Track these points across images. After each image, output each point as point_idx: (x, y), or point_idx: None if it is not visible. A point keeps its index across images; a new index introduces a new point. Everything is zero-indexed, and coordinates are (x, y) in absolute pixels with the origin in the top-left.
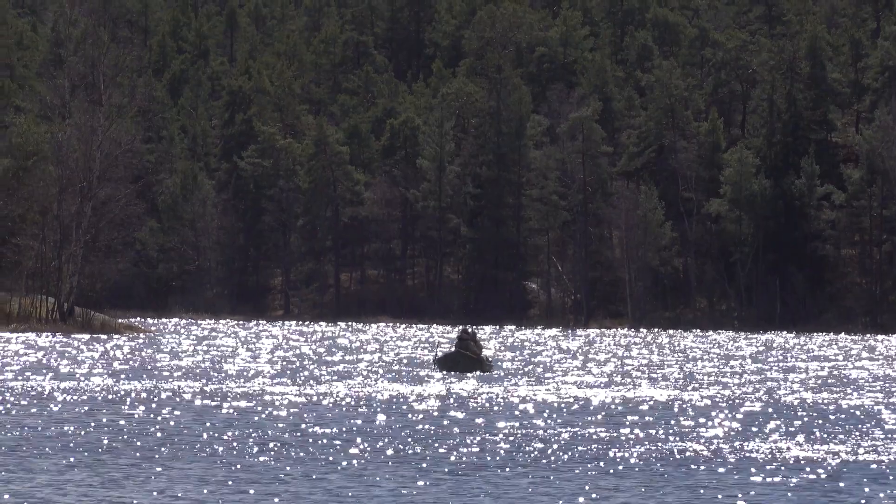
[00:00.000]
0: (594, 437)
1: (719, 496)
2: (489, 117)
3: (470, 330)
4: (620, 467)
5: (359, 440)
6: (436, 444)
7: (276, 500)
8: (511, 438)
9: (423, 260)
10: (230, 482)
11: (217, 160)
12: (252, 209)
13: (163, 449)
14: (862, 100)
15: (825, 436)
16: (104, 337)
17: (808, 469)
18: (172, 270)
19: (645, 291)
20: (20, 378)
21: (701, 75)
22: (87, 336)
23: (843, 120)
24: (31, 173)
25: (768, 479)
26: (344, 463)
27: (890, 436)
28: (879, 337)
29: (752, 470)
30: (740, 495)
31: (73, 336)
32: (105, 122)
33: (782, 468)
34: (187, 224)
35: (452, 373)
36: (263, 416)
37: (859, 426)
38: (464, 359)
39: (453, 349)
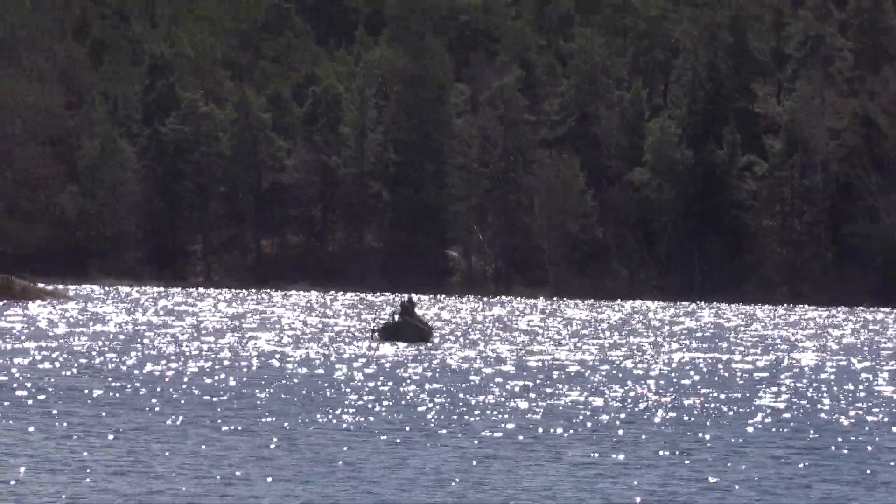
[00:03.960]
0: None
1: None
2: (411, 84)
3: (413, 299)
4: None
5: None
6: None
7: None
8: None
9: (343, 226)
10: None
11: (138, 125)
12: (173, 175)
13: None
14: (783, 69)
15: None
16: (21, 303)
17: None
18: (92, 235)
19: (565, 260)
20: None
21: (624, 44)
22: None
23: (764, 90)
24: None
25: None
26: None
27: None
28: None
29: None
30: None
31: None
32: (26, 86)
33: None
34: (108, 189)
35: (397, 342)
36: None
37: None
38: (411, 328)
39: (396, 318)
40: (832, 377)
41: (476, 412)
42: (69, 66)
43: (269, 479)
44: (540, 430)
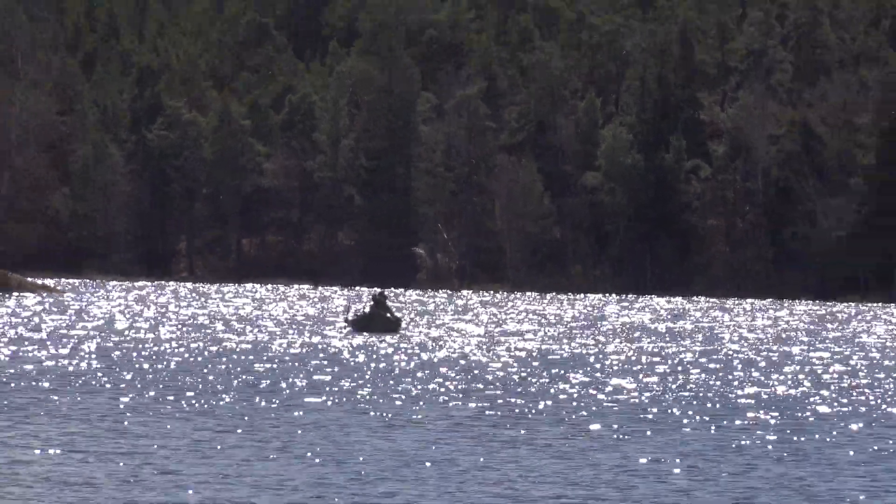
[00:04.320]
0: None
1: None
2: (381, 94)
3: (385, 292)
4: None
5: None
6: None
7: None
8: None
9: (319, 227)
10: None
11: (126, 132)
12: (159, 178)
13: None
14: (728, 80)
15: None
16: (17, 295)
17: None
18: (84, 236)
19: (524, 258)
20: None
21: (578, 56)
22: None
23: (709, 99)
24: None
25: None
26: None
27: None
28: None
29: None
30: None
31: None
32: (22, 94)
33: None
34: (98, 192)
35: (368, 333)
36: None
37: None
38: (381, 319)
39: (368, 310)
40: (775, 363)
41: (447, 397)
42: (62, 76)
43: (260, 462)
44: (512, 413)
